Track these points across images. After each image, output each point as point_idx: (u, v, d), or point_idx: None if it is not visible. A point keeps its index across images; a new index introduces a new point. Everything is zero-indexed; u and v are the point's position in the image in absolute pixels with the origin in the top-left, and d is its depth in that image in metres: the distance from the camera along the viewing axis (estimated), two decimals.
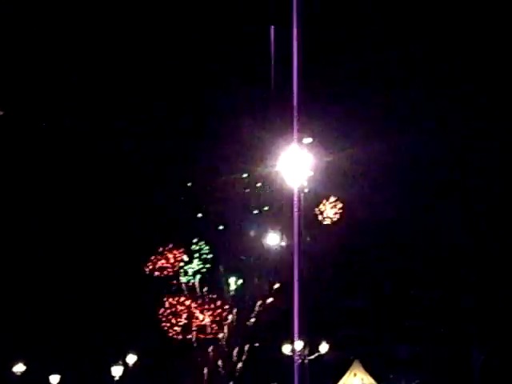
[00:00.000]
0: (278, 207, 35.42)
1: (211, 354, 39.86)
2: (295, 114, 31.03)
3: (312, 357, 35.03)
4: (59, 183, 47.67)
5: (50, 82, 45.31)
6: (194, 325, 39.59)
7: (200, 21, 43.21)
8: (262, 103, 40.84)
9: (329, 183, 38.91)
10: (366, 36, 46.57)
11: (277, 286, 38.71)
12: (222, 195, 38.75)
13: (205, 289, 40.26)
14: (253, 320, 39.41)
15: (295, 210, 28.97)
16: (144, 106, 43.49)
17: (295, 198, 29.44)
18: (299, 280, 31.23)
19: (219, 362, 39.60)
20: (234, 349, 39.33)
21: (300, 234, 31.28)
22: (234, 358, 39.46)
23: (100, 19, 44.34)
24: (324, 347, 36.88)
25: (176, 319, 39.89)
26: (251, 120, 38.95)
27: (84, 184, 46.86)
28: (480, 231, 47.25)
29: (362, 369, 39.79)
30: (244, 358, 39.22)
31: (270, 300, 39.05)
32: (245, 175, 37.28)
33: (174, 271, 40.57)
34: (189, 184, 40.25)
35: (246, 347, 39.27)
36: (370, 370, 40.95)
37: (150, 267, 40.48)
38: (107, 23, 44.35)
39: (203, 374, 39.99)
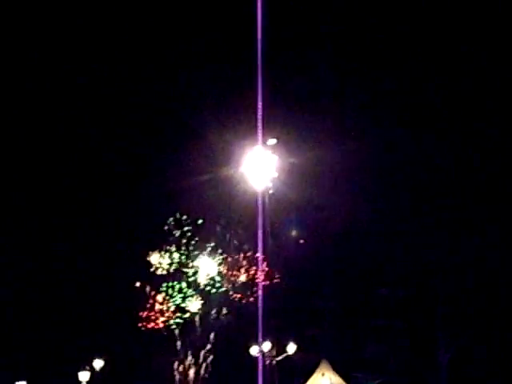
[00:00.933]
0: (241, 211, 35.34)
1: (177, 355, 39.66)
2: (259, 114, 31.04)
3: (280, 357, 35.06)
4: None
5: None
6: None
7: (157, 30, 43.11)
8: (226, 103, 40.83)
9: (294, 185, 38.95)
10: (332, 36, 46.76)
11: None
12: (188, 197, 38.59)
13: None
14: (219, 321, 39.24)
15: (260, 211, 28.94)
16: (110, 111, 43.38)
17: (259, 200, 29.42)
18: (265, 281, 31.26)
19: (187, 361, 39.36)
20: (200, 350, 39.12)
21: (265, 234, 31.31)
22: (201, 360, 39.26)
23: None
24: (291, 348, 36.93)
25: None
26: (215, 121, 38.90)
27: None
28: (444, 230, 47.61)
29: (329, 368, 39.84)
30: (210, 359, 39.04)
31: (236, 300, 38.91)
32: (209, 177, 37.19)
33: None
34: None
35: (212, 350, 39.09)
36: (337, 369, 41.01)
37: None
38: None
39: (169, 376, 39.73)
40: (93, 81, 43.23)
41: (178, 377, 39.79)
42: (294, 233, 46.44)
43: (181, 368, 39.51)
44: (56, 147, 45.45)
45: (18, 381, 54.38)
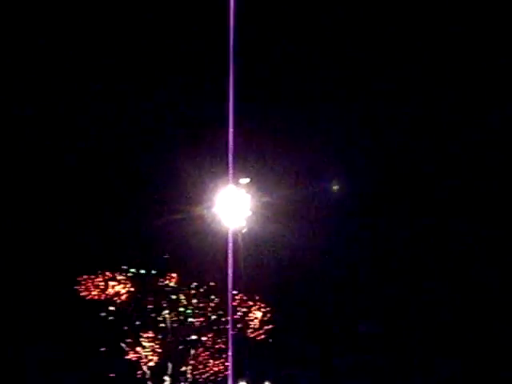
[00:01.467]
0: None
1: None
2: (230, 153, 31.07)
3: None
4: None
5: None
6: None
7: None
8: (198, 141, 40.82)
9: (268, 223, 38.92)
10: (302, 69, 47.00)
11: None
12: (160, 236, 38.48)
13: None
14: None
15: (230, 250, 28.96)
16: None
17: (230, 238, 29.46)
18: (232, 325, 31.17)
19: None
20: None
21: (238, 273, 31.27)
22: None
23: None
24: None
25: None
26: (187, 159, 38.86)
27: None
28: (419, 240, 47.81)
29: None
30: None
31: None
32: (181, 216, 37.12)
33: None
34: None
35: None
36: None
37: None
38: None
39: None
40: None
41: None
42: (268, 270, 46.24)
43: None
44: None
45: None
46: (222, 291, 33.03)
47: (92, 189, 42.45)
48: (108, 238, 39.75)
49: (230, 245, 27.99)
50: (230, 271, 26.71)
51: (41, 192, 45.03)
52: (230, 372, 26.45)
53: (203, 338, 38.18)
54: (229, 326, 28.97)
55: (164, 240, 38.07)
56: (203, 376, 37.44)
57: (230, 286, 26.43)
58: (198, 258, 38.13)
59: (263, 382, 36.93)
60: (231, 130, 31.22)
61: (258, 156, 40.77)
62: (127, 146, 41.91)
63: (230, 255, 27.03)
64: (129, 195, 40.85)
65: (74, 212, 42.23)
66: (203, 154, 38.78)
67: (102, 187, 42.50)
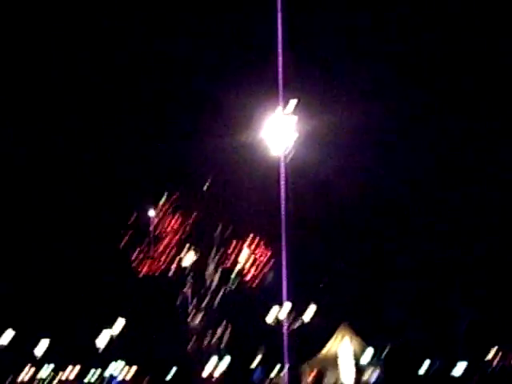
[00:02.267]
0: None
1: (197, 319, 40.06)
2: (280, 77, 30.68)
3: (298, 322, 35.11)
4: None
5: None
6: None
7: None
8: (246, 66, 40.48)
9: (315, 148, 38.65)
10: None
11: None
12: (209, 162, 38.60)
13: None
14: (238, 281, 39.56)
15: (281, 175, 28.75)
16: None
17: (281, 164, 29.22)
18: (287, 247, 31.20)
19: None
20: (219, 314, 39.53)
21: (287, 198, 31.17)
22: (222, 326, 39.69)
23: None
24: (310, 312, 37.03)
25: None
26: (234, 85, 38.59)
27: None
28: (464, 188, 47.36)
29: (349, 332, 39.92)
30: (228, 324, 39.41)
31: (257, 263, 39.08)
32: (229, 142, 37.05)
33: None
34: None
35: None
36: (357, 332, 41.07)
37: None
38: None
39: (189, 339, 40.19)
40: (110, 41, 43.19)
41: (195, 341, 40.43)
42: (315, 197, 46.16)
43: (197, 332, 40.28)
44: None
45: (42, 338, 55.23)
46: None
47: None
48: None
49: (281, 170, 27.66)
50: (282, 194, 26.27)
51: None
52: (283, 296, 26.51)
53: None
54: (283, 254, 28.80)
55: (212, 165, 38.24)
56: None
57: (282, 210, 25.99)
58: (246, 183, 38.29)
59: (306, 307, 37.34)
60: (280, 52, 30.70)
61: (307, 78, 40.25)
62: (175, 74, 41.82)
63: (283, 179, 26.68)
64: (175, 124, 40.99)
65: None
66: (251, 77, 38.49)
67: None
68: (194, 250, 39.91)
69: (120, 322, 49.46)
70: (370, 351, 38.13)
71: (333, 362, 33.70)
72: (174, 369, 45.23)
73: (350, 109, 43.01)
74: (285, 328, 30.02)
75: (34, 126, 46.53)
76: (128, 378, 53.06)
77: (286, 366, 27.96)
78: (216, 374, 38.06)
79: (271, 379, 38.33)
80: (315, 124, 37.57)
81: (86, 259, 50.34)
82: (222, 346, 39.85)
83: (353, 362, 38.37)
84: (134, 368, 55.69)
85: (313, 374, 26.80)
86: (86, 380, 51.73)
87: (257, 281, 37.74)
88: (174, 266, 40.20)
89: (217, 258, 39.94)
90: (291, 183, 33.72)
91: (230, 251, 39.19)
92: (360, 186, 47.41)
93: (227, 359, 40.87)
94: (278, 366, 36.94)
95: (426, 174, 47.93)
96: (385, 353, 45.89)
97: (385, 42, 46.19)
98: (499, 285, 47.10)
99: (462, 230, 47.53)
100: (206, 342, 39.49)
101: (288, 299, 32.29)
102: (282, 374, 30.30)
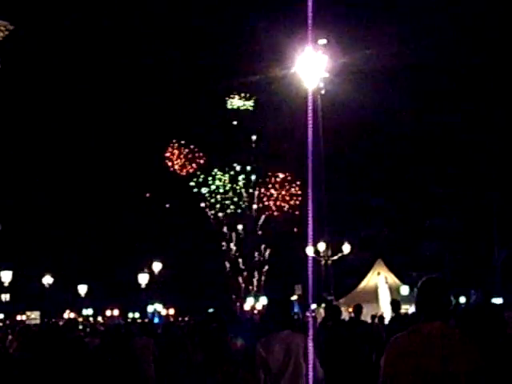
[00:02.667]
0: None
1: (234, 252, 40.36)
2: (309, 14, 30.43)
3: (335, 257, 35.28)
4: None
5: None
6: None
7: None
8: (276, 4, 40.16)
9: (345, 84, 38.43)
10: None
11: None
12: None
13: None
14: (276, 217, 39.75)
15: (310, 110, 28.52)
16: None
17: (310, 99, 28.95)
18: (314, 181, 31.24)
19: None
20: (257, 247, 39.82)
21: (317, 133, 31.09)
22: (258, 258, 39.93)
23: None
24: (347, 247, 37.07)
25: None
26: (266, 21, 38.32)
27: None
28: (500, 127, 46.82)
29: (385, 267, 39.89)
30: (268, 257, 39.66)
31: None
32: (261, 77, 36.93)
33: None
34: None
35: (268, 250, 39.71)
36: (392, 268, 41.14)
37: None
38: None
39: (228, 273, 40.54)
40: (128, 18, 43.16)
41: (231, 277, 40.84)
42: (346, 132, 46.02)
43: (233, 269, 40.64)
44: None
45: (80, 284, 56.04)
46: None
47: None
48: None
49: (311, 105, 27.30)
50: (309, 130, 26.06)
51: None
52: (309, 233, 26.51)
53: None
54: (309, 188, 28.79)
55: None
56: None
57: (309, 142, 25.80)
58: (276, 119, 38.23)
59: (343, 242, 37.35)
60: None
61: (336, 17, 39.87)
62: (207, 10, 41.56)
63: (311, 115, 26.37)
64: (208, 60, 40.87)
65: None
66: (282, 14, 38.20)
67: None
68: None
69: (157, 266, 49.96)
70: (405, 289, 38.15)
71: (372, 295, 33.81)
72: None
73: (381, 47, 42.64)
74: (311, 261, 30.11)
75: None
76: (170, 313, 53.88)
77: (326, 299, 28.10)
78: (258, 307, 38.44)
79: (312, 311, 38.63)
80: (345, 62, 37.37)
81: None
82: (261, 283, 40.21)
83: (389, 298, 38.54)
84: (172, 310, 56.61)
85: (351, 308, 26.81)
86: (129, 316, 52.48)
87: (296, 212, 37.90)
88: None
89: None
90: (323, 119, 33.61)
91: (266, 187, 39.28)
92: (392, 123, 47.23)
93: (263, 299, 41.25)
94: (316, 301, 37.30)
95: (455, 106, 47.48)
96: None
97: None
98: None
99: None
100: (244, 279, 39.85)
101: (324, 234, 32.48)
102: (320, 308, 30.46)
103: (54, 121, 49.06)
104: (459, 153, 48.26)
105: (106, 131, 49.79)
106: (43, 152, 49.70)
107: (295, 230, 37.20)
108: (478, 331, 6.27)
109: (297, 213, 38.66)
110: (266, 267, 39.83)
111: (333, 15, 38.07)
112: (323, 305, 29.05)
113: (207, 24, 41.41)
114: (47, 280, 50.38)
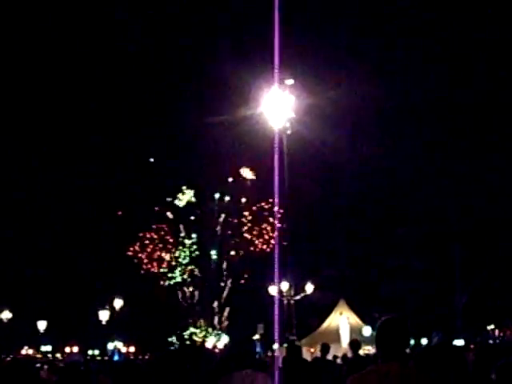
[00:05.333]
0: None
1: (194, 292, 40.16)
2: (276, 54, 30.72)
3: (298, 297, 35.29)
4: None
5: None
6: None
7: None
8: (243, 44, 40.44)
9: (311, 125, 38.71)
10: None
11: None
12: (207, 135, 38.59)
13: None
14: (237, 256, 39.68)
15: (276, 151, 28.67)
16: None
17: (276, 140, 29.11)
18: (281, 223, 31.39)
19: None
20: (219, 287, 39.62)
21: (283, 176, 31.27)
22: (221, 298, 39.79)
23: None
24: (309, 287, 37.13)
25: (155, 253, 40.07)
26: (232, 61, 38.54)
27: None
28: (463, 174, 47.34)
29: (347, 308, 40.03)
30: (228, 297, 39.51)
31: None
32: (226, 117, 37.02)
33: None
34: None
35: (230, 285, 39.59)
36: (355, 308, 41.23)
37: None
38: None
39: (188, 311, 40.27)
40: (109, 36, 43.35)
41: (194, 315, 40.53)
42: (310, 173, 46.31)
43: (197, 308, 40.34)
44: None
45: (39, 320, 55.30)
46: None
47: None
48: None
49: (277, 145, 27.47)
50: (276, 172, 26.27)
51: None
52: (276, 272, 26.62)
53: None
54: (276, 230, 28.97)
55: (210, 141, 38.25)
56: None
57: (276, 185, 26.08)
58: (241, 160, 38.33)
59: (305, 282, 37.42)
60: (276, 29, 30.52)
61: (304, 57, 40.27)
62: (171, 50, 41.76)
63: (277, 156, 26.52)
64: (173, 99, 40.95)
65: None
66: (248, 54, 38.48)
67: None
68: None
69: (118, 303, 49.51)
70: (367, 329, 38.21)
71: (335, 335, 33.85)
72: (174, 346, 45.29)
73: (345, 89, 43.13)
74: (277, 300, 30.12)
75: None
76: (131, 351, 53.27)
77: (287, 339, 28.03)
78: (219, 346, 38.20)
79: (272, 351, 38.51)
80: (312, 103, 37.74)
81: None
82: (222, 322, 39.97)
83: (349, 338, 38.60)
84: (132, 348, 55.99)
85: (317, 347, 26.79)
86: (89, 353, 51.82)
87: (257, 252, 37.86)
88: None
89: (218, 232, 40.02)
90: (289, 159, 33.81)
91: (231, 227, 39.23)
92: (356, 162, 47.64)
93: (225, 338, 41.04)
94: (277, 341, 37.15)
95: (421, 150, 48.07)
96: None
97: (381, 21, 46.23)
98: (498, 258, 47.26)
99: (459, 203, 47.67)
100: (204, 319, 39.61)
101: (287, 274, 32.54)
102: (282, 348, 30.30)
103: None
104: (422, 195, 48.71)
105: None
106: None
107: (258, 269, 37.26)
108: (439, 370, 6.32)
109: (260, 251, 38.57)
110: (228, 308, 39.66)
111: (299, 55, 38.46)
112: (285, 344, 28.99)
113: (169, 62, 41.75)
114: (5, 315, 49.69)
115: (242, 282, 38.44)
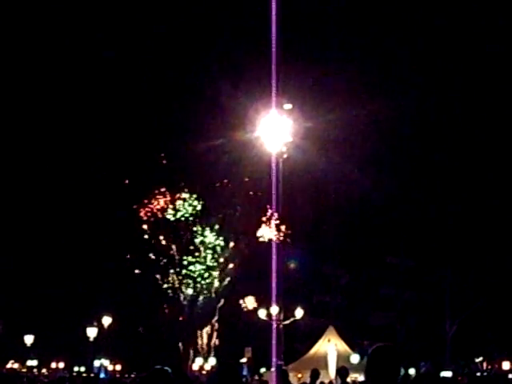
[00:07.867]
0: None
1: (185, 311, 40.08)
2: (274, 79, 30.80)
3: (287, 322, 35.15)
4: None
5: None
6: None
7: None
8: (241, 68, 40.51)
9: (308, 150, 38.74)
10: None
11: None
12: (202, 160, 38.63)
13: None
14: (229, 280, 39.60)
15: (273, 175, 28.83)
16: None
17: (273, 164, 29.29)
18: (276, 246, 31.33)
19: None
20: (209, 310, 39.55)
21: (278, 198, 31.26)
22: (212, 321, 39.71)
23: None
24: (299, 312, 36.99)
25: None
26: (230, 85, 38.63)
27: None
28: (455, 202, 47.43)
29: (336, 335, 39.93)
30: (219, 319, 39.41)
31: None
32: (223, 141, 37.08)
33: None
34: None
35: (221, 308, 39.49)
36: (344, 336, 41.14)
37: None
38: None
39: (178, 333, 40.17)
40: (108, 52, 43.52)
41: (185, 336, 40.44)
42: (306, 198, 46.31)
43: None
44: None
45: (26, 334, 55.01)
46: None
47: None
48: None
49: (274, 169, 27.68)
50: (273, 195, 26.47)
51: None
52: (272, 295, 26.60)
53: None
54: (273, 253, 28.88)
55: (207, 164, 38.29)
56: None
57: (273, 207, 26.21)
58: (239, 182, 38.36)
59: (295, 307, 37.27)
60: (274, 54, 30.83)
61: (302, 82, 40.38)
62: (169, 73, 41.84)
63: (274, 180, 26.79)
64: (170, 123, 40.97)
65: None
66: (246, 79, 38.55)
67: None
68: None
69: (106, 320, 49.28)
70: (355, 357, 38.11)
71: (322, 362, 33.67)
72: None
73: (345, 112, 43.25)
74: (273, 323, 30.15)
75: None
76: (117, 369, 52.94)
77: (275, 364, 27.97)
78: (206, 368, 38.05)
79: (260, 375, 38.40)
80: (309, 127, 37.80)
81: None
82: (212, 344, 39.86)
83: (336, 366, 38.53)
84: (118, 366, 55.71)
85: (305, 373, 26.78)
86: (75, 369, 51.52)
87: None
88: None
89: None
90: (285, 183, 33.83)
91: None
92: (353, 188, 47.64)
93: (212, 360, 40.89)
94: (265, 364, 37.03)
95: (414, 176, 48.13)
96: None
97: (378, 45, 46.52)
98: (489, 289, 47.27)
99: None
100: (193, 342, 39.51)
101: (277, 298, 32.44)
102: (270, 372, 30.26)
103: None
104: (415, 225, 48.68)
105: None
106: None
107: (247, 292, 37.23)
108: None
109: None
110: (215, 333, 39.56)
111: (297, 80, 38.58)
112: (272, 369, 28.90)
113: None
114: None
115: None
